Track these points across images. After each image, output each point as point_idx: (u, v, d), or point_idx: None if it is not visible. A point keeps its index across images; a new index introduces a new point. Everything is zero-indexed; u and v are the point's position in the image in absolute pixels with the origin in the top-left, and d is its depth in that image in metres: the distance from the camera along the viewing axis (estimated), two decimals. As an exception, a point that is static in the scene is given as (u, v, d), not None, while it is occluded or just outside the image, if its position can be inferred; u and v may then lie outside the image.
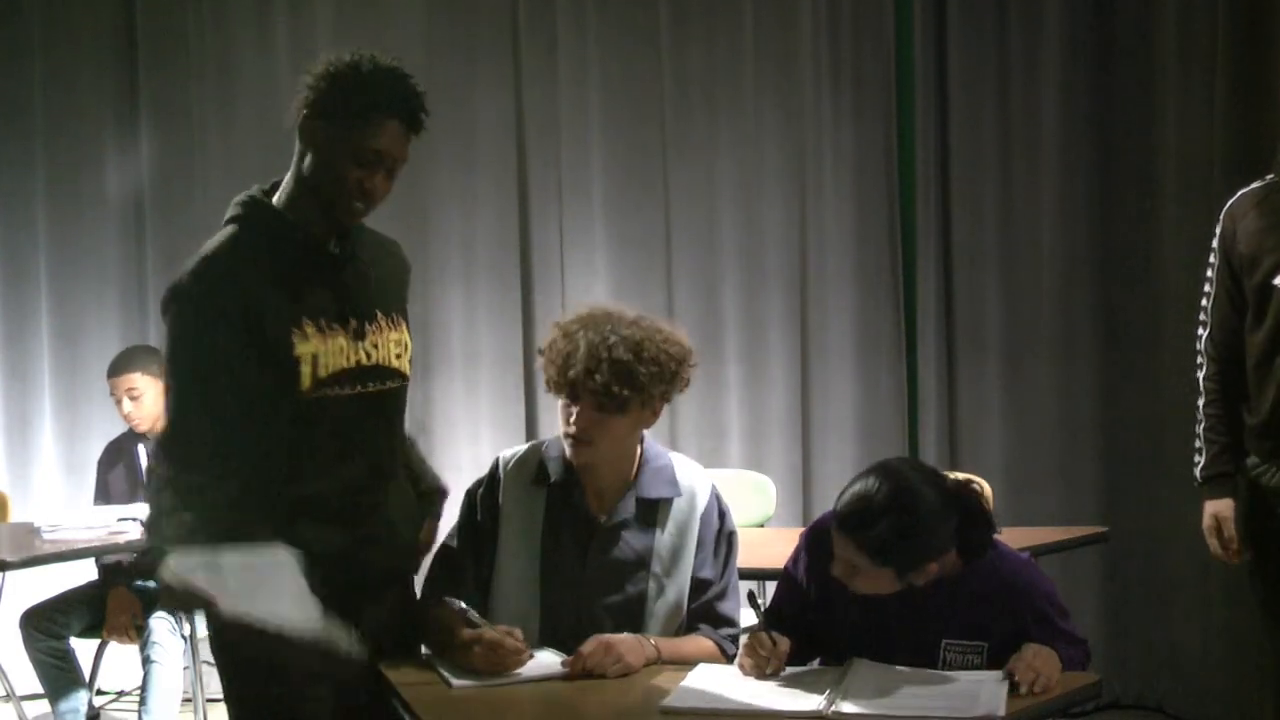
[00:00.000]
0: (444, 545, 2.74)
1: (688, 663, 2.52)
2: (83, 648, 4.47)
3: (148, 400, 4.39)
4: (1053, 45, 4.81)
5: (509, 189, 5.28)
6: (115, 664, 4.75)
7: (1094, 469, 4.82)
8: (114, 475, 4.55)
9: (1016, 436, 4.80)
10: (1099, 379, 4.82)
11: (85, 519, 4.19)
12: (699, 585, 2.65)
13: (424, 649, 2.73)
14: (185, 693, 4.35)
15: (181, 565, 2.17)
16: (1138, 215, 4.74)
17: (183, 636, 4.23)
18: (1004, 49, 4.89)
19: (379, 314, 2.51)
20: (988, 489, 3.03)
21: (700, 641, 2.63)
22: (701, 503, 2.68)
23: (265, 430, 2.33)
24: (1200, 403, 3.22)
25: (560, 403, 2.60)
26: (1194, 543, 3.31)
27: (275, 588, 2.16)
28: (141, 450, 4.50)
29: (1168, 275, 4.65)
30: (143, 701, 4.23)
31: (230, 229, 2.47)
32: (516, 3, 5.27)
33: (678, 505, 2.67)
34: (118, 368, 4.46)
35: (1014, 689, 2.28)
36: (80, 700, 4.32)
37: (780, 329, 5.10)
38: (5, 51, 5.43)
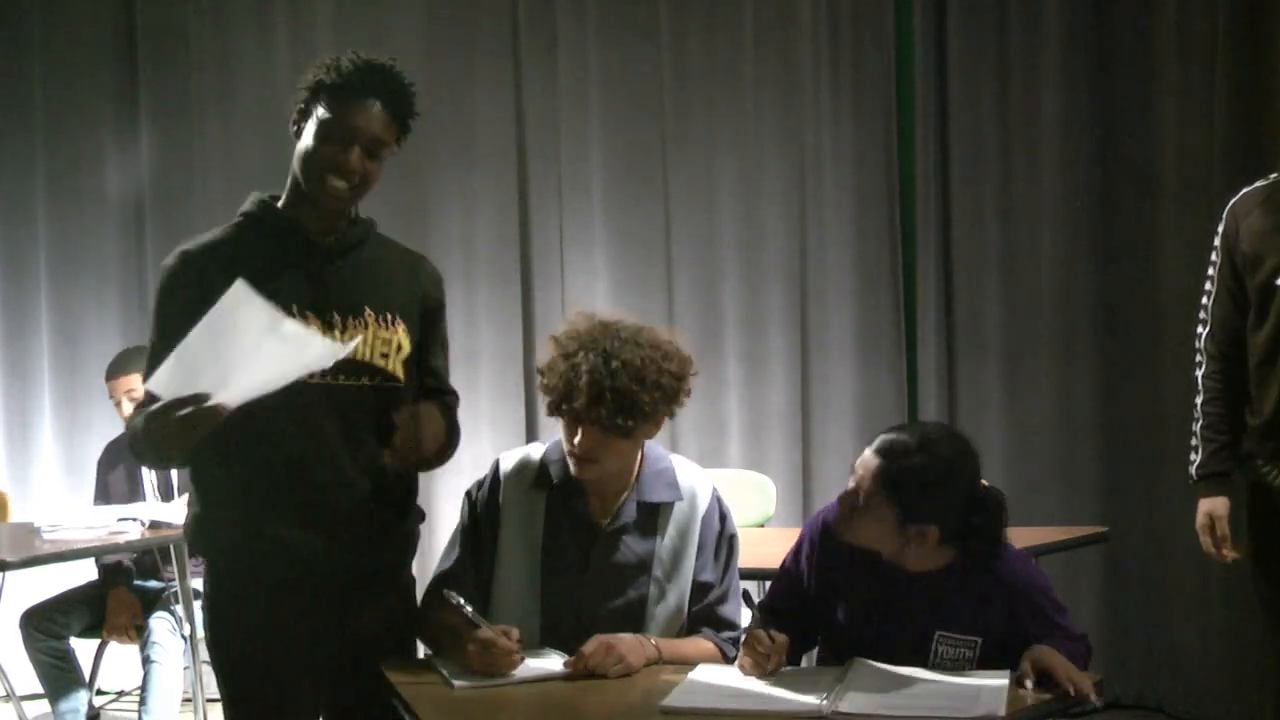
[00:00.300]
0: (447, 546, 2.74)
1: (688, 663, 2.52)
2: (83, 648, 4.47)
3: None
4: (1053, 45, 4.81)
5: (509, 187, 5.28)
6: (115, 664, 4.75)
7: (1094, 469, 4.82)
8: (114, 476, 4.55)
9: (1016, 436, 4.80)
10: (1099, 379, 4.82)
11: (85, 519, 4.18)
12: (700, 589, 2.65)
13: (424, 649, 2.73)
14: (185, 693, 4.34)
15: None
16: (1138, 215, 4.74)
17: (183, 636, 4.23)
18: (1004, 48, 4.89)
19: (369, 311, 2.52)
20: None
21: (701, 643, 2.62)
22: (702, 506, 2.68)
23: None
24: (1198, 400, 3.21)
25: (563, 420, 2.59)
26: (1194, 543, 3.30)
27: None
28: (141, 450, 4.49)
29: (1168, 275, 4.65)
30: (143, 701, 4.23)
31: (232, 221, 2.57)
32: (516, 1, 5.27)
33: (679, 509, 2.66)
34: (116, 369, 4.46)
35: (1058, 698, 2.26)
36: (80, 700, 4.32)
37: (780, 328, 5.10)
38: (5, 50, 5.43)
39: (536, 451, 2.71)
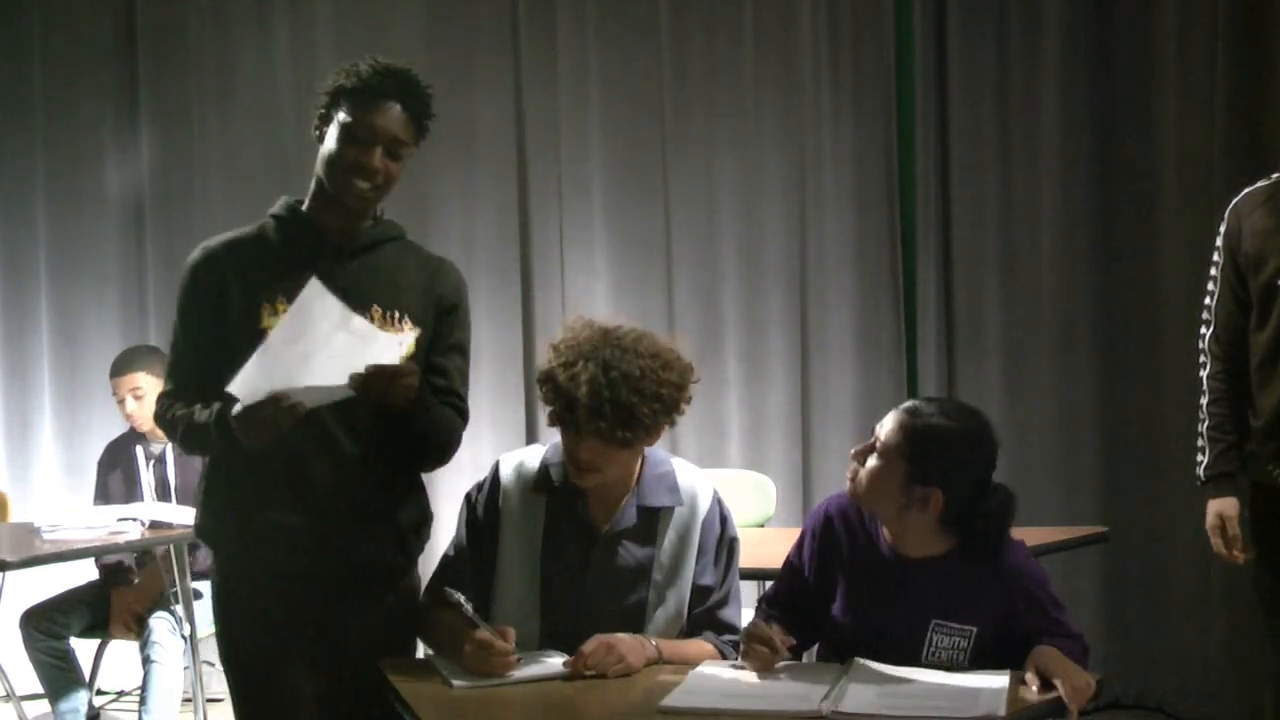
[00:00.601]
0: (447, 548, 2.74)
1: (689, 664, 2.52)
2: (83, 648, 4.47)
3: (150, 400, 4.39)
4: (1053, 45, 4.81)
5: (509, 187, 5.28)
6: (115, 664, 4.75)
7: (1094, 469, 4.82)
8: (113, 476, 4.56)
9: (1016, 436, 4.80)
10: (1099, 379, 4.82)
11: (85, 519, 4.19)
12: (700, 592, 2.65)
13: (424, 649, 2.73)
14: (185, 693, 4.34)
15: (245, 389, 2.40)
16: (1138, 215, 4.74)
17: (183, 636, 4.23)
18: (1004, 48, 4.89)
19: (376, 308, 2.58)
20: None
21: (702, 645, 2.62)
22: (703, 510, 2.67)
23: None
24: (1203, 401, 3.21)
25: (563, 429, 2.58)
26: (1194, 543, 3.31)
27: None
28: (140, 452, 4.49)
29: (1168, 275, 4.65)
30: (143, 701, 4.23)
31: (258, 221, 2.68)
32: (516, 3, 5.27)
33: (679, 513, 2.66)
34: (122, 367, 4.47)
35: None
36: (80, 700, 4.33)
37: (780, 328, 5.10)
38: (5, 51, 5.43)
39: (537, 454, 2.71)
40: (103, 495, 4.56)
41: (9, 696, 4.69)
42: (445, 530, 2.79)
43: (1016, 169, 4.90)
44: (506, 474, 2.69)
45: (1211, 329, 3.20)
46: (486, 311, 5.26)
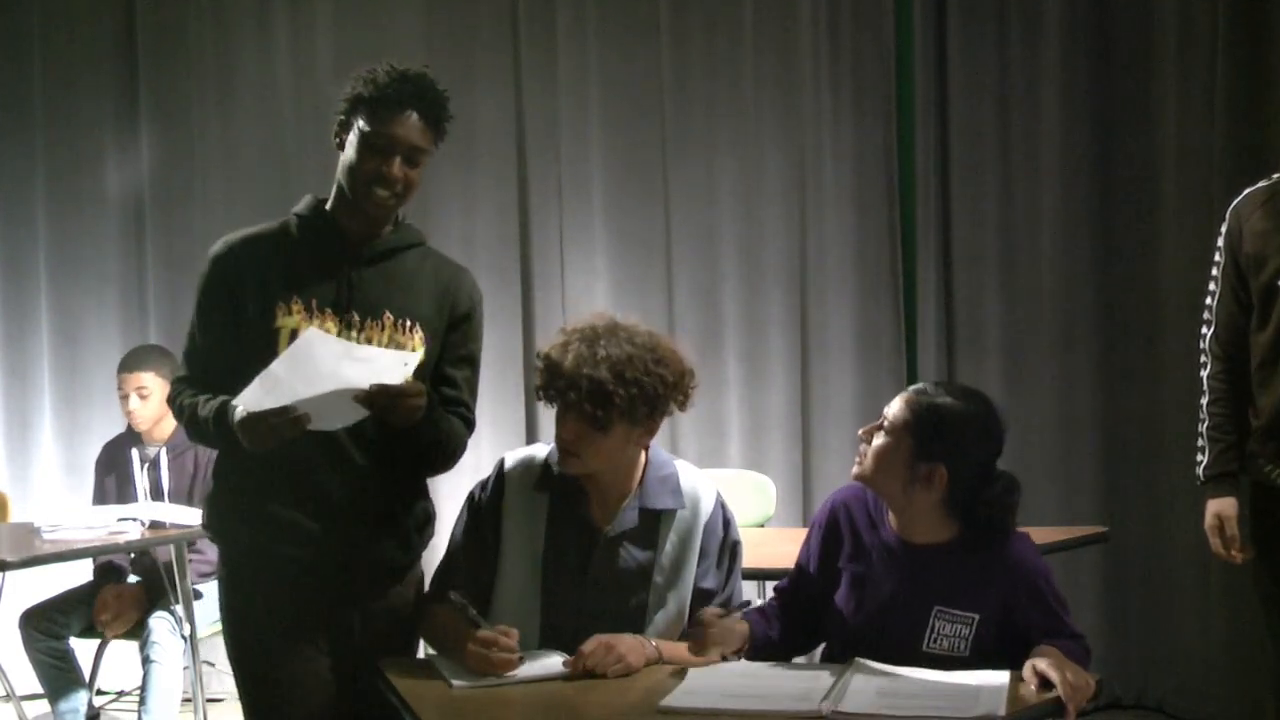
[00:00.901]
0: (448, 547, 2.74)
1: (688, 665, 2.52)
2: (83, 648, 4.47)
3: (154, 401, 4.40)
4: (1053, 44, 4.81)
5: (509, 187, 5.28)
6: (115, 664, 4.75)
7: (1094, 469, 4.82)
8: (109, 478, 4.56)
9: (1016, 436, 4.74)
10: (1099, 379, 4.82)
11: (85, 519, 4.19)
12: (701, 595, 2.65)
13: (425, 649, 2.74)
14: (185, 693, 4.35)
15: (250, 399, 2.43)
16: (1138, 215, 4.74)
17: (183, 636, 4.23)
18: (1004, 48, 4.89)
19: (387, 314, 2.60)
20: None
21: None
22: (705, 513, 2.67)
23: (246, 376, 2.48)
24: (1204, 401, 3.21)
25: (556, 408, 2.61)
26: (1194, 543, 3.31)
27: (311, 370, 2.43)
28: (135, 454, 4.49)
29: (1168, 275, 4.65)
30: (143, 701, 4.23)
31: (281, 219, 2.70)
32: (516, 3, 5.27)
33: (681, 516, 2.66)
34: (132, 364, 4.47)
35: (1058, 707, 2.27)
36: (80, 700, 4.32)
37: (780, 328, 5.10)
38: (5, 50, 5.43)
39: (540, 453, 2.71)
40: (101, 495, 4.56)
41: (9, 696, 4.69)
42: (447, 529, 2.79)
43: (1016, 169, 4.90)
44: (510, 473, 2.69)
45: (1212, 329, 3.20)
46: (486, 311, 5.19)
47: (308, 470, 2.56)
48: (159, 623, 4.25)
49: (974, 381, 4.89)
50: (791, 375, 5.09)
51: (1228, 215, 3.19)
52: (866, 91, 5.04)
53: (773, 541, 3.78)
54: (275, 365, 2.44)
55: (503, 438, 5.09)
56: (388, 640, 2.66)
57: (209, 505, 2.72)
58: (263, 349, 2.52)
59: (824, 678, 2.37)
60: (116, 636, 4.39)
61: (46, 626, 4.32)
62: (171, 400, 2.67)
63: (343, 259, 2.61)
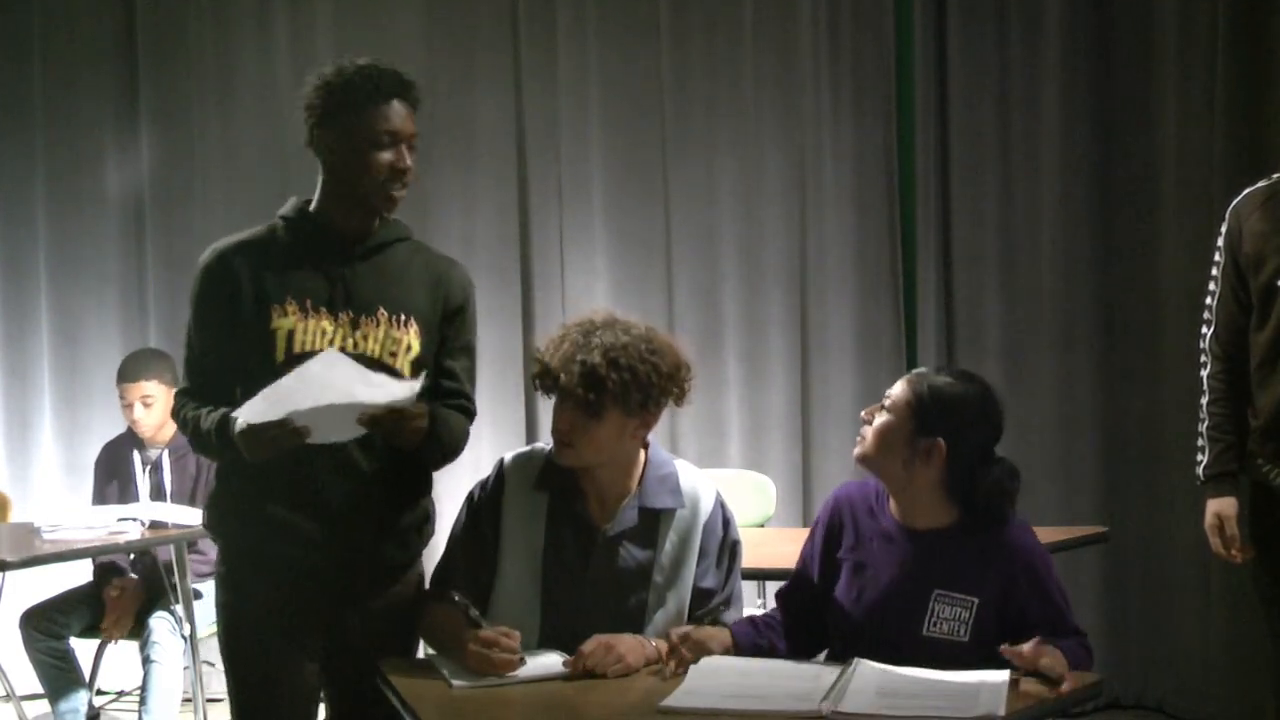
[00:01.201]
0: (447, 546, 2.74)
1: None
2: (83, 648, 4.47)
3: (159, 408, 4.39)
4: (1053, 45, 4.81)
5: (509, 188, 5.28)
6: (115, 664, 4.75)
7: (1094, 468, 4.82)
8: (110, 479, 4.55)
9: (1016, 436, 4.76)
10: (1099, 378, 4.82)
11: (85, 519, 4.19)
12: (702, 595, 2.65)
13: (426, 649, 2.74)
14: (185, 693, 4.35)
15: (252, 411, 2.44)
16: (1138, 215, 4.74)
17: (183, 636, 4.23)
18: (1004, 48, 4.89)
19: (381, 310, 2.61)
20: None
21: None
22: (705, 512, 2.67)
23: (245, 381, 2.53)
24: (1204, 401, 3.21)
25: (553, 402, 2.62)
26: (1194, 543, 3.31)
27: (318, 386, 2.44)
28: (136, 456, 4.49)
29: (1168, 275, 4.65)
30: (143, 701, 4.23)
31: (268, 223, 2.70)
32: (516, 3, 5.27)
33: (680, 515, 2.66)
34: (134, 373, 4.45)
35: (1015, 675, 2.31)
36: (80, 700, 4.32)
37: (780, 328, 5.10)
38: (5, 51, 5.43)
39: (540, 452, 2.71)
40: (100, 496, 4.56)
41: (9, 696, 4.69)
42: (447, 528, 2.79)
43: (1016, 169, 4.89)
44: (510, 472, 2.70)
45: (1212, 329, 3.20)
46: (486, 311, 5.18)
47: (310, 473, 2.57)
48: (159, 623, 4.25)
49: (974, 381, 4.91)
50: (791, 375, 5.09)
51: (1227, 215, 3.19)
52: (866, 91, 5.04)
53: (773, 541, 3.78)
54: (284, 380, 2.44)
55: (503, 437, 5.09)
56: (387, 640, 2.66)
57: (211, 505, 2.73)
58: (261, 352, 2.53)
59: (824, 678, 2.37)
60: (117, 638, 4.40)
61: (46, 626, 4.32)
62: (176, 413, 2.67)
63: (333, 257, 2.62)
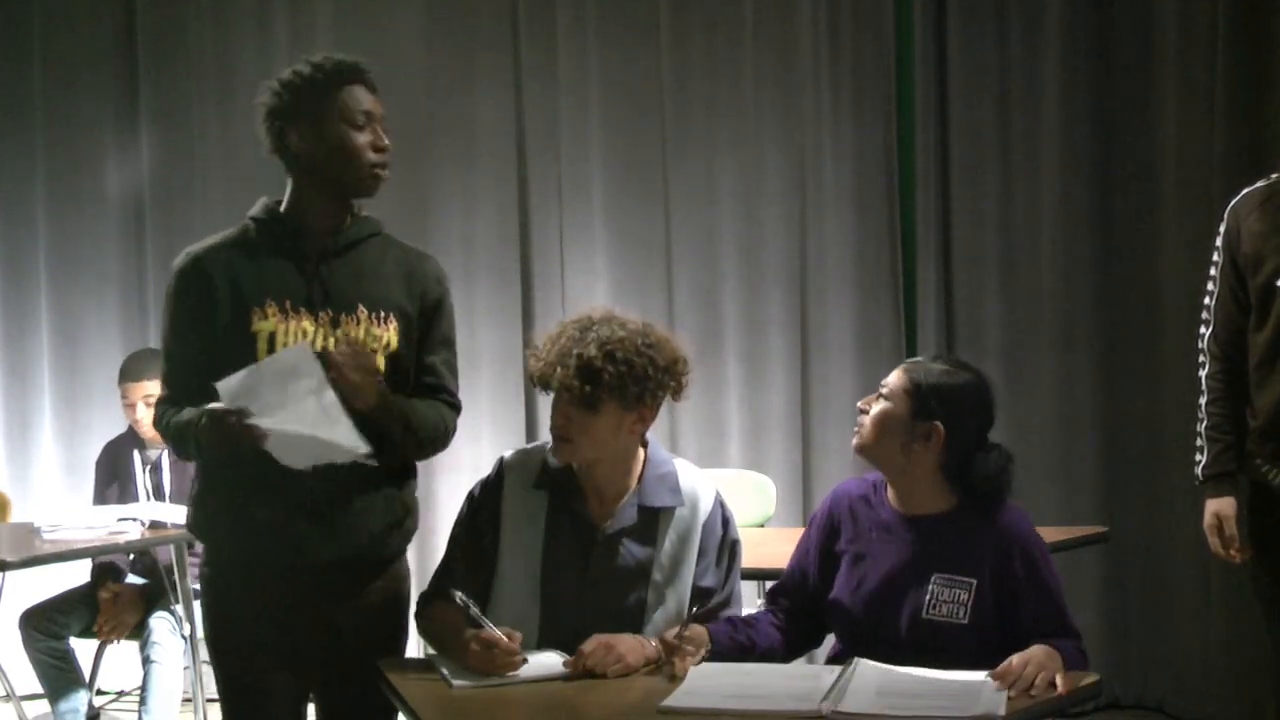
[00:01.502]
0: (448, 545, 2.74)
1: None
2: (83, 648, 4.47)
3: None
4: (1053, 45, 4.81)
5: (509, 187, 5.28)
6: (115, 664, 4.75)
7: (1094, 468, 4.82)
8: (111, 479, 4.55)
9: (1016, 436, 4.79)
10: (1099, 378, 4.82)
11: (85, 519, 4.19)
12: (700, 594, 2.65)
13: (425, 648, 2.74)
14: (185, 693, 4.35)
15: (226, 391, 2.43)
16: (1138, 215, 4.74)
17: (183, 636, 4.23)
18: (1004, 49, 4.89)
19: (361, 307, 2.61)
20: None
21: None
22: (704, 511, 2.68)
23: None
24: (1202, 401, 3.21)
25: (551, 399, 2.62)
26: (1194, 543, 3.31)
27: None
28: (137, 456, 4.49)
29: (1168, 275, 4.65)
30: (143, 701, 4.23)
31: (239, 225, 2.69)
32: (516, 3, 5.27)
33: (680, 514, 2.66)
34: (137, 373, 4.44)
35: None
36: (80, 700, 4.32)
37: (780, 328, 5.10)
38: (5, 51, 5.43)
39: (540, 451, 2.71)
40: (101, 496, 4.56)
41: (9, 696, 4.69)
42: (444, 528, 2.79)
43: (1016, 169, 4.89)
44: (509, 471, 2.70)
45: (1210, 329, 3.20)
46: (486, 311, 5.27)
47: (291, 470, 2.54)
48: (159, 623, 4.25)
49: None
50: (791, 375, 5.09)
51: (1225, 215, 3.19)
52: (866, 91, 5.04)
53: (773, 541, 3.77)
54: (268, 361, 2.46)
55: (503, 437, 5.09)
56: (375, 636, 2.67)
57: (194, 506, 2.72)
58: (242, 355, 2.52)
59: (824, 678, 2.38)
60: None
61: (46, 626, 4.32)
62: (157, 421, 2.66)
63: (308, 256, 2.61)
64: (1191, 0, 4.57)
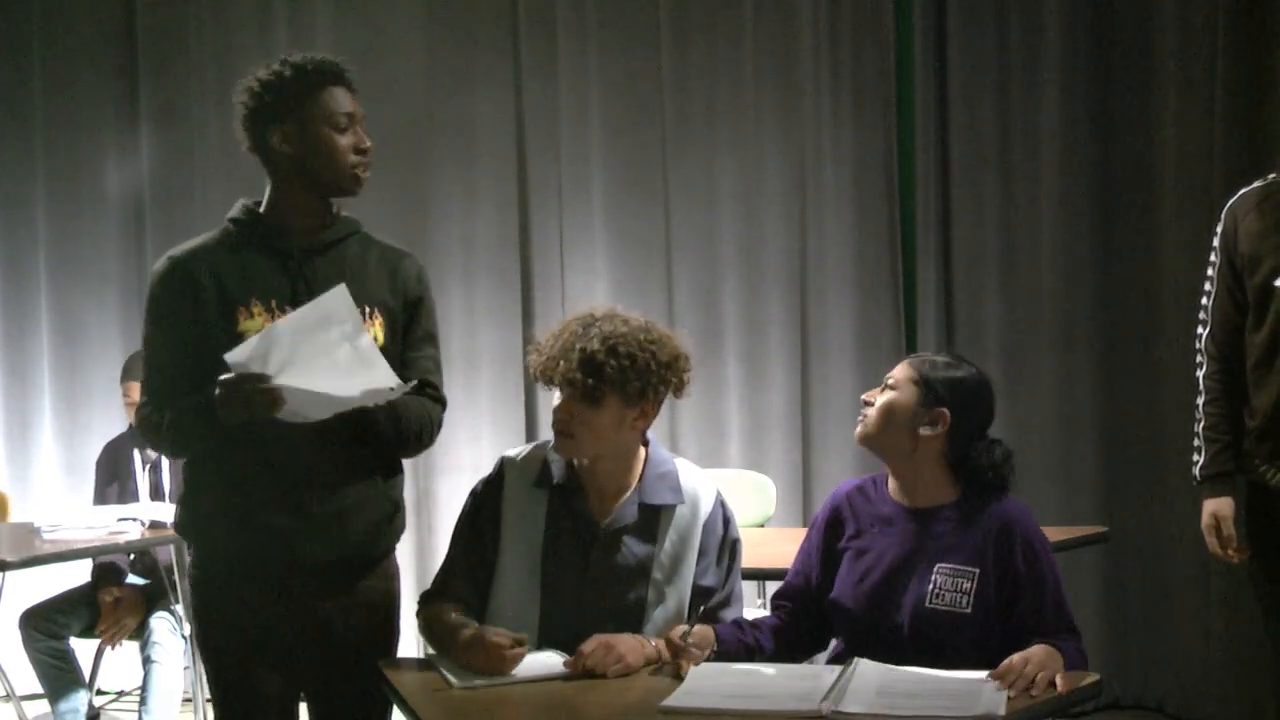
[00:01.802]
0: (450, 544, 2.75)
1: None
2: (83, 648, 4.47)
3: None
4: (1053, 45, 4.81)
5: (509, 188, 5.28)
6: (115, 664, 4.75)
7: (1094, 468, 4.82)
8: (111, 478, 4.55)
9: (1016, 436, 4.79)
10: (1099, 378, 4.82)
11: (85, 519, 4.19)
12: (701, 593, 2.65)
13: (426, 649, 2.74)
14: (185, 693, 4.35)
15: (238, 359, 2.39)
16: (1138, 215, 4.74)
17: (183, 636, 4.24)
18: (1004, 49, 4.89)
19: None
20: None
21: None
22: (705, 510, 2.68)
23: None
24: (1200, 401, 3.22)
25: (553, 396, 2.63)
26: (1194, 543, 3.31)
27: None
28: (137, 455, 4.49)
29: (1168, 275, 4.65)
30: (143, 701, 4.23)
31: (219, 227, 2.70)
32: (516, 3, 5.27)
33: (680, 512, 2.66)
34: (139, 372, 4.43)
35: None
36: (80, 700, 4.32)
37: (780, 328, 5.10)
38: (5, 51, 5.44)
39: (541, 450, 2.72)
40: (101, 496, 4.56)
41: (9, 696, 4.69)
42: (446, 530, 2.79)
43: (1016, 169, 4.89)
44: (509, 470, 2.71)
45: (1208, 329, 3.20)
46: (486, 311, 5.27)
47: (276, 468, 2.55)
48: (159, 623, 4.26)
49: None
50: (792, 375, 5.09)
51: (1223, 216, 3.19)
52: (866, 92, 5.04)
53: (773, 541, 3.78)
54: (283, 321, 2.43)
55: (503, 437, 5.09)
56: (367, 634, 2.67)
57: (181, 506, 2.71)
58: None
59: (824, 678, 2.38)
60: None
61: (46, 626, 4.33)
62: (142, 423, 2.63)
63: (291, 255, 2.62)
64: (1191, 0, 4.57)
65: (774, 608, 2.77)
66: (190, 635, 4.20)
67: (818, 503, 4.92)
